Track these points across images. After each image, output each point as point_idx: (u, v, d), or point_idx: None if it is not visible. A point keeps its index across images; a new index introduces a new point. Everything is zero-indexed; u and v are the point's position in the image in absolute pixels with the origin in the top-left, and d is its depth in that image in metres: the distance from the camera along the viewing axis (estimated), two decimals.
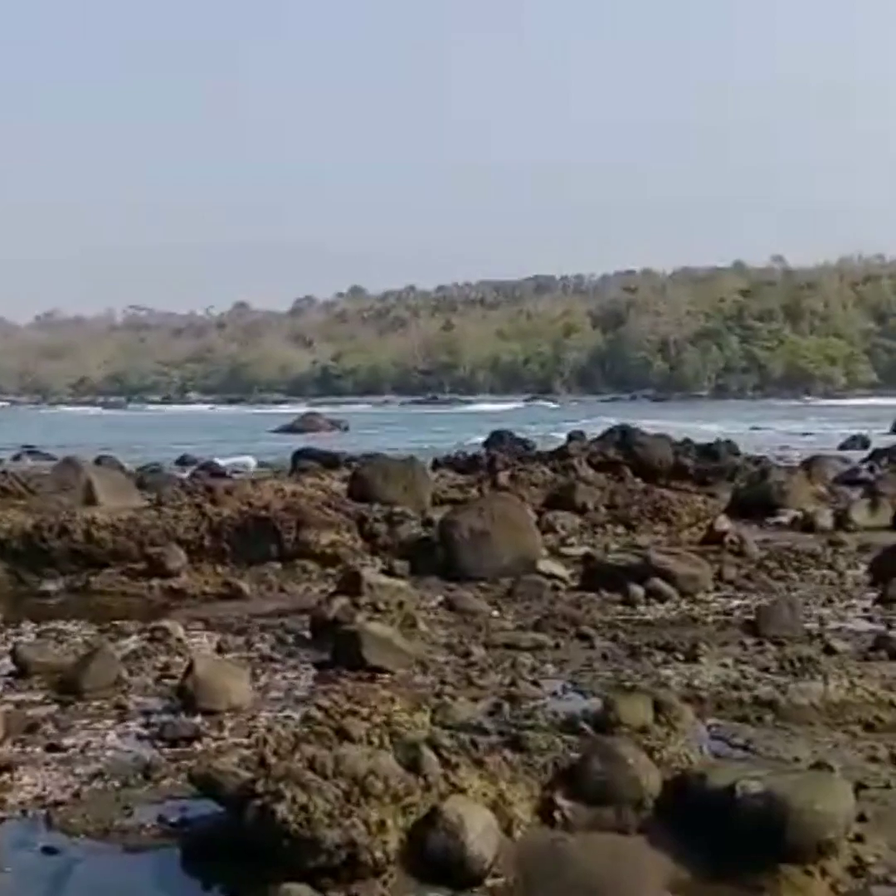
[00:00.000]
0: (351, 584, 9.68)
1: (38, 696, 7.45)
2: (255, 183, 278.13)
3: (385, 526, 13.05)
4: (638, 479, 18.82)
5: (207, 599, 11.03)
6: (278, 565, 12.05)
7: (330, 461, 23.67)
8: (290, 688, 7.70)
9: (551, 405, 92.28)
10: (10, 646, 8.67)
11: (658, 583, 10.50)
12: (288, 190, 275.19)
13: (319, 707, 6.19)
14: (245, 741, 6.43)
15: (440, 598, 10.56)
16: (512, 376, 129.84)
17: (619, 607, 10.19)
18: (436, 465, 22.02)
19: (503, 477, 18.06)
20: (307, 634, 9.06)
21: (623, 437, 22.88)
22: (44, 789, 5.77)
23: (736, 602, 10.38)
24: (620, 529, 14.82)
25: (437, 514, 13.32)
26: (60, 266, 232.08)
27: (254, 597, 11.07)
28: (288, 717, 6.89)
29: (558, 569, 11.74)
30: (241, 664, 7.97)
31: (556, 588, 11.09)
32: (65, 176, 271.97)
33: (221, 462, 27.63)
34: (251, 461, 29.76)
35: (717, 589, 10.92)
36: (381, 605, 9.13)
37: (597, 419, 47.82)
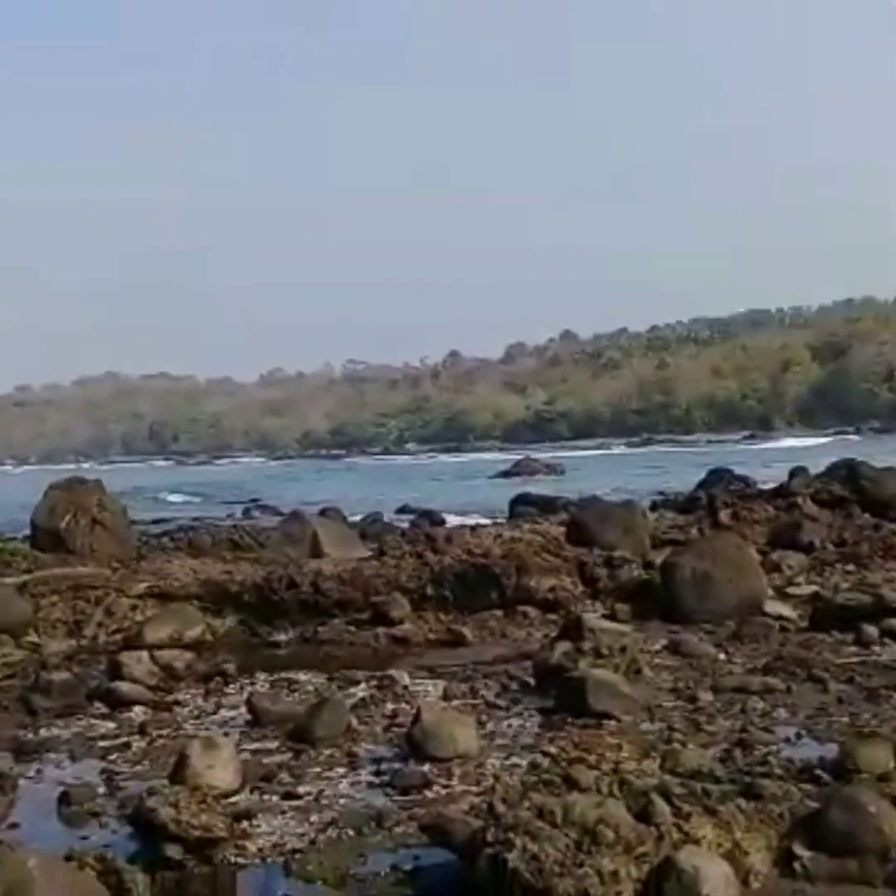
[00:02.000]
0: (572, 629, 9.62)
1: (273, 745, 7.66)
2: (463, 226, 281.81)
3: (605, 570, 12.93)
4: (866, 515, 18.13)
5: (431, 647, 11.14)
6: (499, 612, 12.08)
7: (547, 506, 23.66)
8: (515, 735, 7.70)
9: (854, 439, 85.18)
10: (245, 695, 8.95)
11: (893, 623, 10.08)
12: (495, 234, 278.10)
13: (546, 754, 6.17)
14: (474, 789, 6.45)
15: (664, 641, 10.39)
16: (729, 413, 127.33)
17: (852, 648, 9.82)
18: (654, 506, 21.76)
19: (724, 516, 17.67)
20: (531, 681, 9.04)
21: (849, 471, 22.08)
22: (281, 837, 5.92)
23: None
24: (850, 567, 14.28)
25: (657, 557, 13.13)
26: (282, 326, 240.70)
27: (476, 644, 11.12)
28: (515, 764, 6.88)
29: (786, 609, 11.40)
30: (466, 711, 8.01)
31: (784, 629, 10.78)
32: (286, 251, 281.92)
33: (446, 514, 27.88)
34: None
35: None
36: (604, 650, 9.03)
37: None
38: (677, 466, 49.20)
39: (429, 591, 12.29)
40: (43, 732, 8.35)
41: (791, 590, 12.86)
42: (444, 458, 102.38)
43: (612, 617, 11.11)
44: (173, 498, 45.80)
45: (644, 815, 4.81)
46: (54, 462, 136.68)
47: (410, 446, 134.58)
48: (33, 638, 11.25)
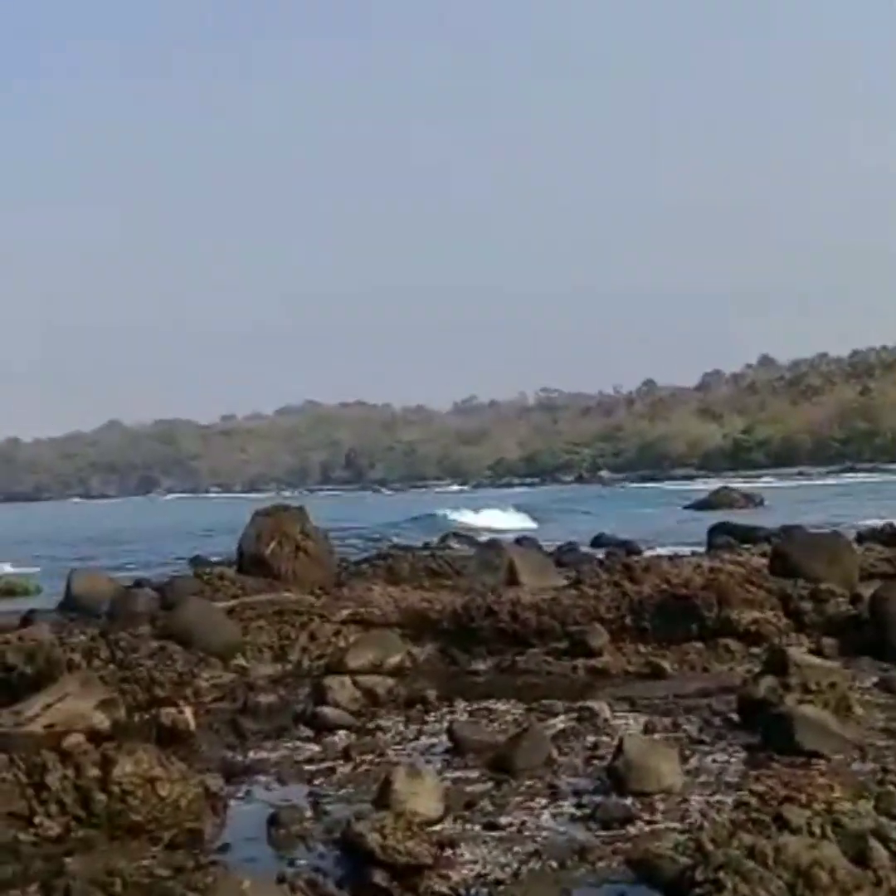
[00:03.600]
0: (777, 663, 9.37)
1: (474, 774, 7.67)
2: (657, 256, 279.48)
3: (810, 603, 12.57)
4: None
5: (630, 679, 11.01)
6: (700, 644, 11.86)
7: (747, 536, 23.19)
8: (720, 771, 7.53)
9: None
10: (445, 723, 9.02)
11: None
12: (691, 262, 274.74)
13: (753, 792, 6.02)
14: (678, 826, 6.34)
15: (874, 679, 10.03)
16: None
17: None
18: (860, 538, 21.07)
19: None
20: (734, 716, 8.84)
21: None
22: (484, 867, 5.92)
23: None
24: None
25: (866, 590, 12.69)
26: (476, 355, 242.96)
27: (677, 676, 10.95)
28: (720, 801, 6.73)
29: None
30: (669, 745, 7.88)
31: None
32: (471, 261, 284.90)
33: (641, 543, 27.59)
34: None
35: None
36: (812, 686, 8.76)
37: None
38: (883, 497, 47.50)
39: (627, 621, 12.18)
40: (251, 755, 8.58)
41: None
42: (637, 485, 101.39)
43: (817, 652, 10.77)
44: None
45: (860, 859, 4.65)
46: (257, 490, 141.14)
47: (604, 474, 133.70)
48: (241, 661, 11.59)
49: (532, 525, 42.25)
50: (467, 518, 45.71)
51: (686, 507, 50.23)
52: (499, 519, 45.57)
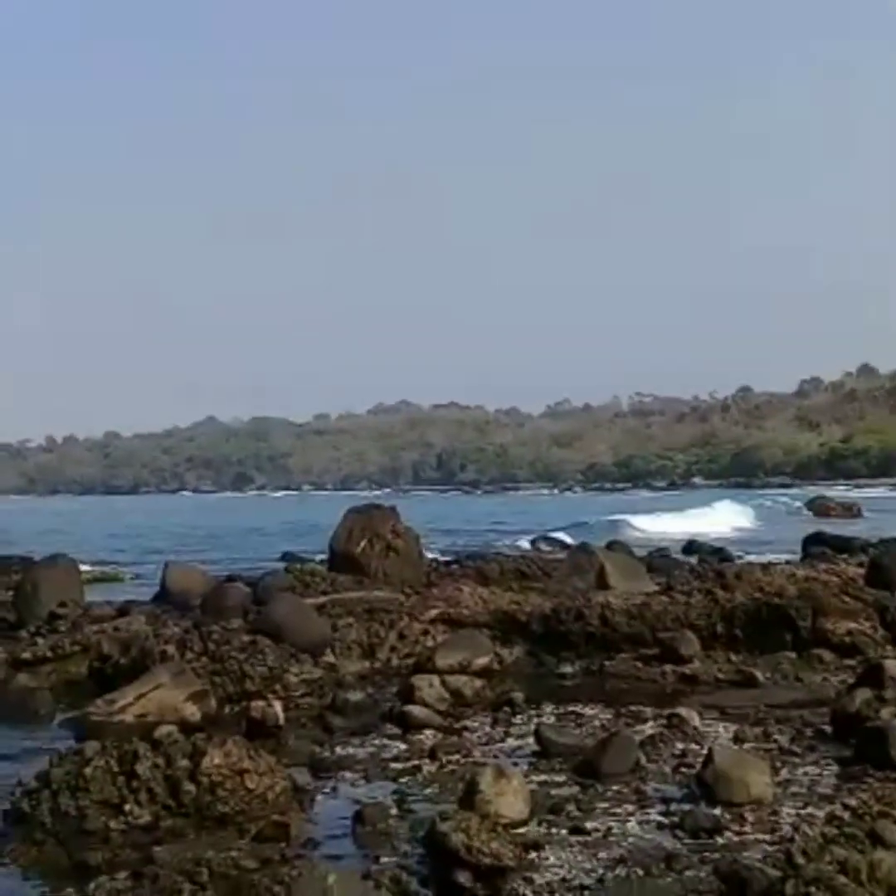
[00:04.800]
0: (872, 676, 9.20)
1: (561, 777, 7.63)
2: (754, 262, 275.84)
3: None
4: None
5: (720, 687, 10.86)
6: (792, 654, 11.67)
7: (843, 546, 22.79)
8: (812, 784, 7.38)
9: None
10: (532, 725, 8.97)
11: None
12: (789, 269, 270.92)
13: (846, 806, 5.92)
14: (768, 837, 6.24)
15: None
16: None
17: None
18: None
19: None
20: (827, 728, 8.68)
21: None
22: (569, 871, 5.88)
23: None
24: None
25: None
26: (570, 359, 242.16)
27: (768, 686, 10.77)
28: (811, 815, 6.60)
29: None
30: (760, 756, 7.75)
31: None
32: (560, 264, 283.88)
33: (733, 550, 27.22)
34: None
35: None
36: None
37: None
38: None
39: (719, 629, 12.02)
40: (338, 751, 8.62)
41: None
42: (730, 492, 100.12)
43: None
44: None
45: None
46: (349, 488, 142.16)
47: (697, 480, 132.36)
48: (330, 658, 11.66)
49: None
50: (646, 522, 41.86)
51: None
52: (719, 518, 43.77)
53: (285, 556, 26.63)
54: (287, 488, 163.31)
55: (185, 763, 6.80)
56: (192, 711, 9.18)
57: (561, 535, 32.39)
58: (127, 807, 6.60)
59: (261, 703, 9.31)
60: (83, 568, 18.25)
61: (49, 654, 11.99)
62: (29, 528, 50.68)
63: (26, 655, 11.99)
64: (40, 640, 12.52)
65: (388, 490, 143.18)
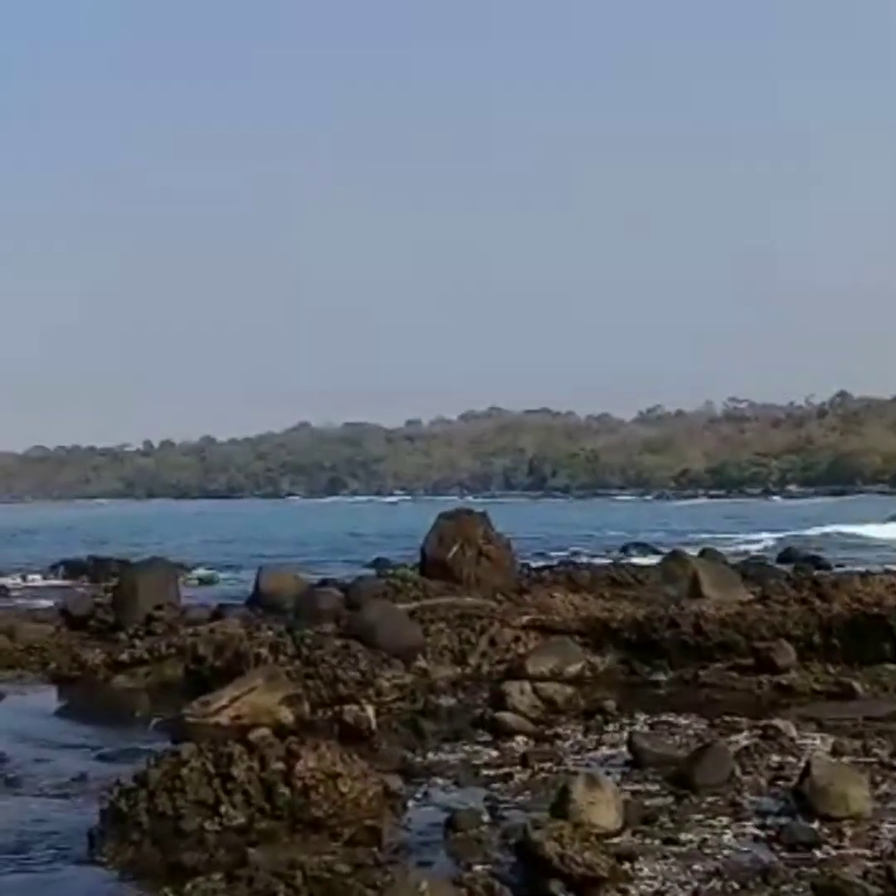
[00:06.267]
0: None
1: (654, 787, 7.56)
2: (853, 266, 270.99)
3: None
4: None
5: (817, 698, 10.68)
6: (892, 666, 11.42)
7: None
8: None
9: None
10: (625, 734, 8.90)
11: None
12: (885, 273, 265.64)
13: None
14: (868, 853, 6.12)
15: None
16: None
17: None
18: None
19: None
20: None
21: None
22: (663, 883, 5.82)
23: None
24: None
25: None
26: (662, 364, 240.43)
27: (867, 698, 10.56)
28: None
29: None
30: (859, 769, 7.60)
31: None
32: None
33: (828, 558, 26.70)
34: None
35: None
36: None
37: None
38: None
39: (816, 639, 11.82)
40: (430, 756, 8.65)
41: None
42: (826, 500, 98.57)
43: None
44: None
45: None
46: (440, 493, 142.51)
47: (792, 488, 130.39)
48: (422, 663, 11.68)
49: None
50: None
51: (880, 523, 48.59)
52: None
53: (377, 562, 26.78)
54: (378, 494, 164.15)
55: (279, 766, 6.86)
56: (286, 715, 9.25)
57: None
58: (222, 808, 6.68)
59: (353, 707, 9.37)
60: (179, 570, 18.54)
61: (146, 656, 12.21)
62: (126, 530, 51.65)
63: (124, 657, 12.22)
64: (137, 643, 12.75)
65: (479, 496, 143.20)
